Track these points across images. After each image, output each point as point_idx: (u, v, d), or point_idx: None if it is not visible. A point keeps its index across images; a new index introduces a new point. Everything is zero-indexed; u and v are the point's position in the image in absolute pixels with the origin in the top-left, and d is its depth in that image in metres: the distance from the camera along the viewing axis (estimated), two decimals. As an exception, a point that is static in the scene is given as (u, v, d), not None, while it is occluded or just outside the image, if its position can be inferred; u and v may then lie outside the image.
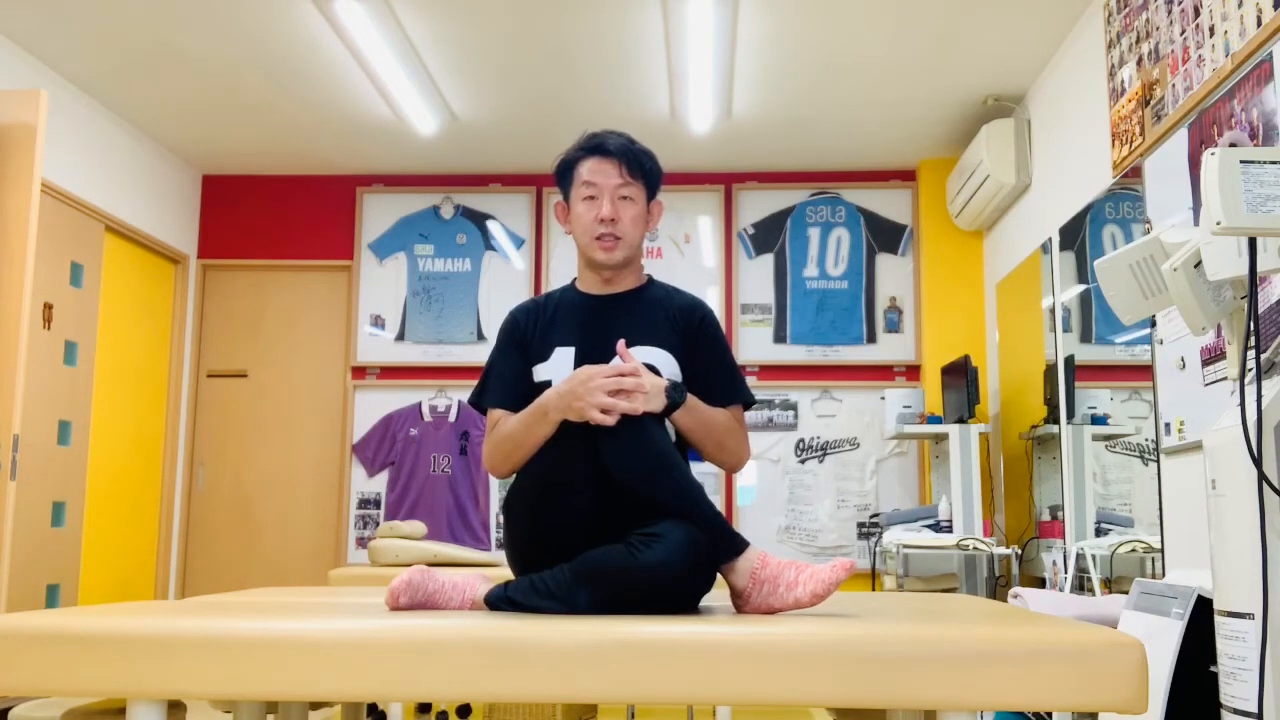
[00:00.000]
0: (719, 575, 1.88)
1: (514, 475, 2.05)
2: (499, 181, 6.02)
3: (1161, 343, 3.31)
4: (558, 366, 2.09)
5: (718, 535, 1.84)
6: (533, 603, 1.81)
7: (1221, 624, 2.03)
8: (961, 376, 4.94)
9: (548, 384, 2.05)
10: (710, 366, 2.17)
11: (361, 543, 5.78)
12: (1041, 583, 4.42)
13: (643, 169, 2.13)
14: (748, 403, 2.20)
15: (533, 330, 2.16)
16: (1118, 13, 3.72)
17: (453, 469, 5.81)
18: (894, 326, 5.78)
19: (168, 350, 5.80)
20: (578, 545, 1.87)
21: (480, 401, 2.15)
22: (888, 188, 5.88)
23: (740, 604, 1.84)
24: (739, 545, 1.84)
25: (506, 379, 2.14)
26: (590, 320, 2.14)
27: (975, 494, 4.84)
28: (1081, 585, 3.84)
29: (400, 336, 5.93)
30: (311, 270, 6.04)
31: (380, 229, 6.01)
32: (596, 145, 2.12)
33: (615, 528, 1.87)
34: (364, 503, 5.82)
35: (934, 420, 5.20)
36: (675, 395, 1.97)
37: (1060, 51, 4.42)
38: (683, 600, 1.84)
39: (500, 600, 1.87)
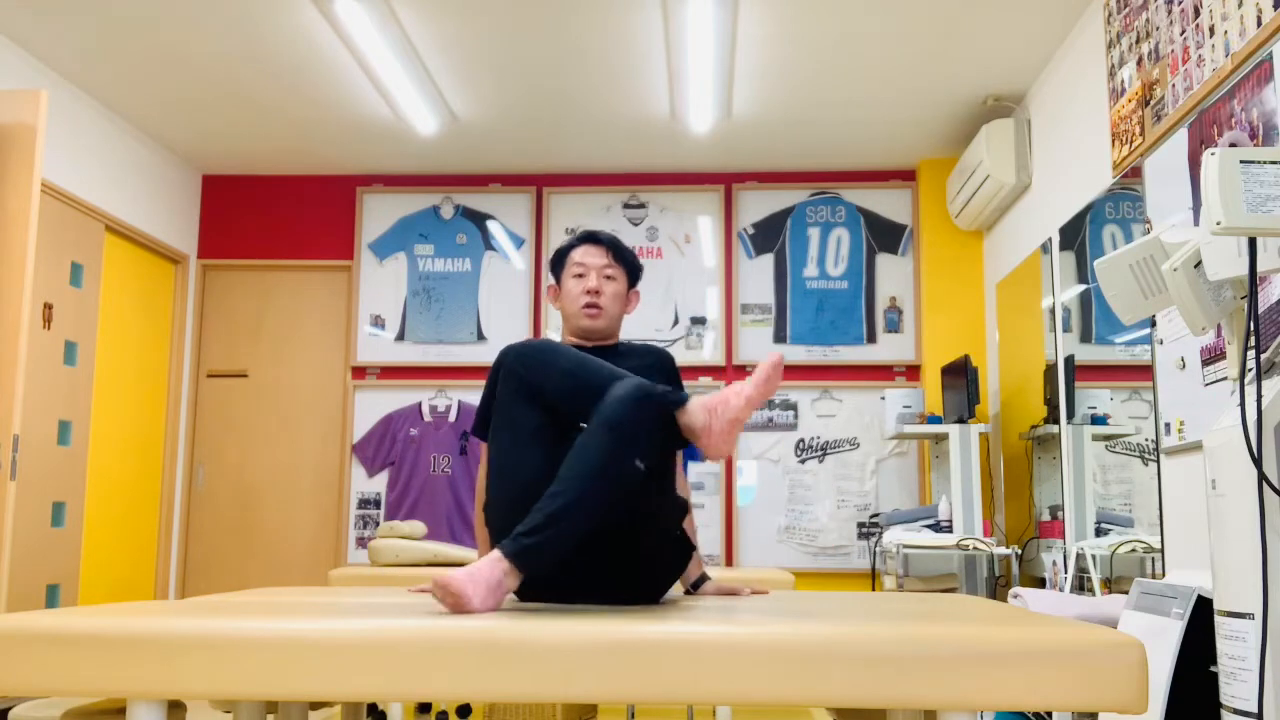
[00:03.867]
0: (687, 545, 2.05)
1: (489, 491, 2.12)
2: (499, 181, 6.02)
3: (1161, 343, 3.31)
4: None
5: (657, 391, 1.95)
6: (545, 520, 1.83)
7: (1221, 624, 2.03)
8: (961, 376, 4.94)
9: None
10: None
11: (361, 543, 5.78)
12: (1041, 583, 4.42)
13: (625, 260, 2.51)
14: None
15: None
16: (1118, 13, 3.72)
17: (453, 469, 5.81)
18: (894, 326, 5.78)
19: (168, 350, 5.80)
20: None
21: (479, 435, 2.37)
22: (888, 188, 5.88)
23: (708, 441, 1.93)
24: (682, 397, 1.96)
25: None
26: None
27: (975, 494, 4.84)
28: (1081, 585, 3.84)
29: (400, 336, 5.93)
30: (311, 270, 6.04)
31: (380, 229, 6.02)
32: (588, 236, 2.51)
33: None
34: (364, 503, 5.82)
35: (934, 420, 5.20)
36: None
37: (1060, 51, 4.42)
38: (641, 440, 1.89)
39: (525, 552, 1.82)
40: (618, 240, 2.53)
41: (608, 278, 2.49)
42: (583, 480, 1.82)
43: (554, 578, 2.01)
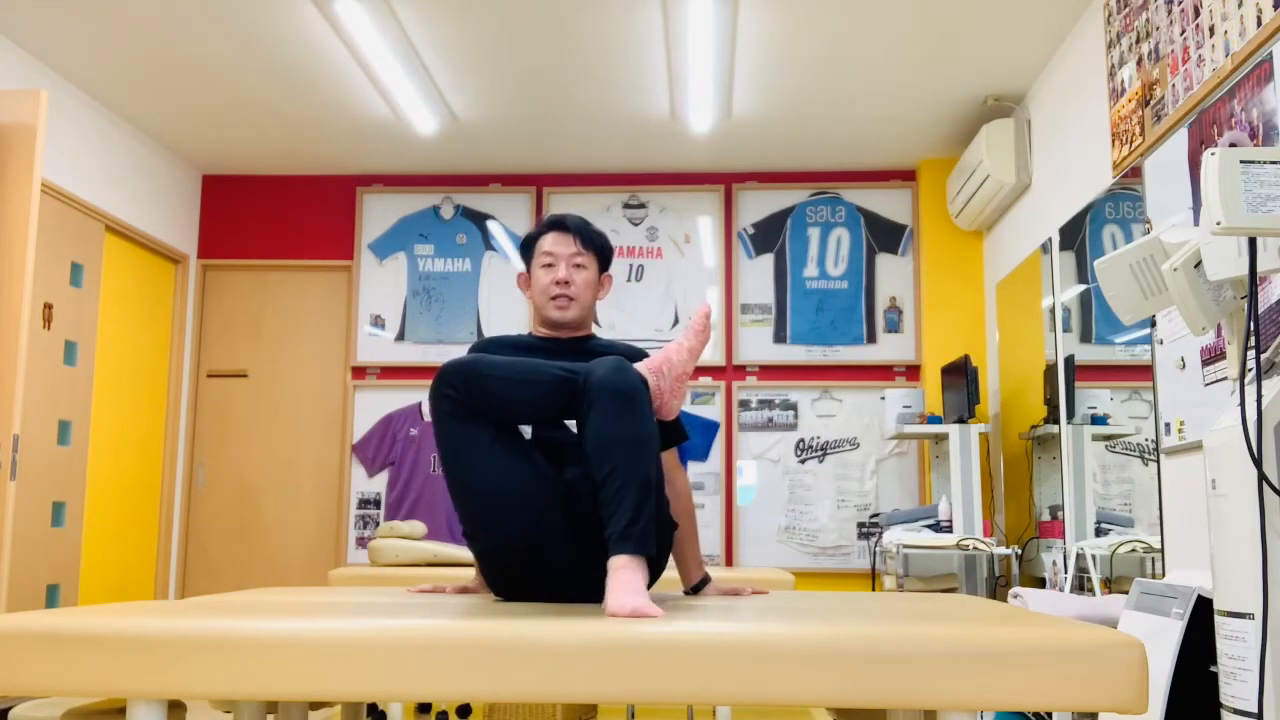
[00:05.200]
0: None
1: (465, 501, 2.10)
2: (499, 181, 6.02)
3: (1161, 343, 3.31)
4: None
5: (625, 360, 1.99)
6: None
7: (1221, 624, 2.03)
8: (961, 376, 4.94)
9: None
10: None
11: (361, 543, 5.78)
12: (1041, 583, 4.42)
13: (595, 244, 2.42)
14: (683, 441, 2.43)
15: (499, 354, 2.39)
16: (1118, 13, 3.72)
17: (453, 469, 5.81)
18: (894, 326, 5.78)
19: (168, 350, 5.80)
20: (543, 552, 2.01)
21: None
22: (888, 188, 5.88)
23: (660, 402, 2.00)
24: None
25: None
26: (556, 359, 2.35)
27: (975, 494, 4.84)
28: (1081, 585, 3.84)
29: (400, 336, 5.93)
30: (311, 270, 6.04)
31: (380, 229, 6.02)
32: (556, 222, 2.42)
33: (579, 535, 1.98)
34: (364, 503, 5.82)
35: (934, 420, 5.20)
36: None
37: (1060, 51, 4.42)
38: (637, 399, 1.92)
39: (643, 540, 1.84)
40: (586, 224, 2.43)
41: (577, 266, 2.39)
42: (628, 452, 1.85)
43: (558, 566, 2.02)
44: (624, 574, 1.75)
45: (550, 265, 2.39)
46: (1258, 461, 1.92)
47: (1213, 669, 2.36)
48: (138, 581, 5.50)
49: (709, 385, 5.80)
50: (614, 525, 1.81)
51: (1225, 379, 2.89)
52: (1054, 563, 4.23)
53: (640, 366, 2.00)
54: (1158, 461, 3.35)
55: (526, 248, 2.46)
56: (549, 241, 2.40)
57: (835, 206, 5.89)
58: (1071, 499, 4.13)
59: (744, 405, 5.78)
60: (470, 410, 1.96)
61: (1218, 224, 2.02)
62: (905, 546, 4.34)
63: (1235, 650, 1.98)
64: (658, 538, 2.13)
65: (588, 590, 2.03)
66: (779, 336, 5.82)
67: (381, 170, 5.99)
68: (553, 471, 2.03)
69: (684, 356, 2.00)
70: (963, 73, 4.68)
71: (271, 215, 6.08)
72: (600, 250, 2.44)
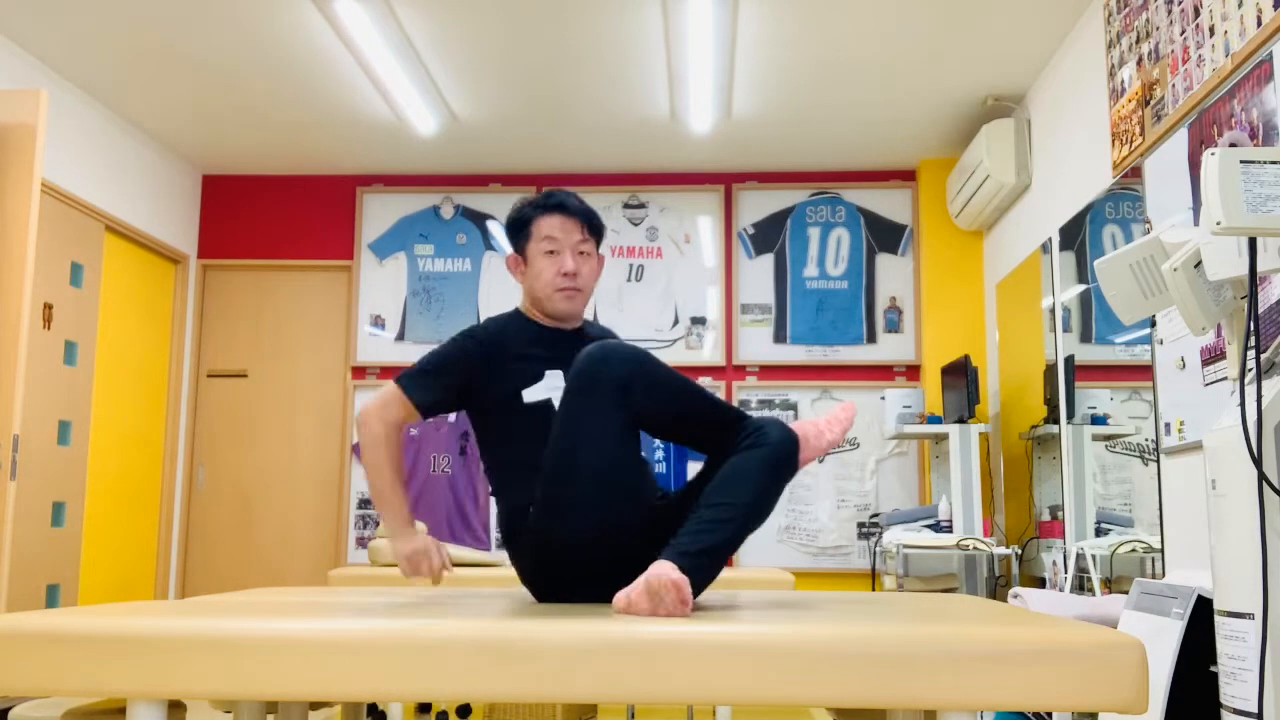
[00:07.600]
0: None
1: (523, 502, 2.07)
2: (499, 181, 6.02)
3: (1161, 343, 3.31)
4: (552, 387, 2.19)
5: (797, 434, 2.00)
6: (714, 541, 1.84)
7: (1221, 624, 2.03)
8: (961, 376, 4.94)
9: (543, 404, 2.17)
10: None
11: (361, 543, 5.78)
12: (1041, 583, 4.42)
13: (598, 229, 2.30)
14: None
15: (505, 351, 2.23)
16: (1118, 13, 3.72)
17: (452, 469, 5.81)
18: (894, 326, 5.78)
19: (168, 350, 5.80)
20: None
21: (410, 389, 2.18)
22: (888, 188, 5.88)
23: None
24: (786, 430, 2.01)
25: (447, 389, 2.21)
26: (561, 349, 2.26)
27: (975, 494, 4.84)
28: (1081, 585, 3.84)
29: (400, 336, 5.93)
30: (311, 270, 6.04)
31: (380, 229, 6.01)
32: (558, 204, 2.25)
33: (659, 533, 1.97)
34: (364, 503, 5.82)
35: (934, 420, 5.20)
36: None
37: (1060, 51, 4.42)
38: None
39: (698, 572, 1.81)
40: (587, 208, 2.28)
41: (583, 254, 2.25)
42: (751, 504, 1.86)
43: (617, 577, 1.99)
44: (649, 579, 1.70)
45: (554, 253, 2.23)
46: (1258, 461, 1.92)
47: (1213, 669, 2.36)
48: (138, 581, 5.50)
49: (709, 385, 5.80)
50: (685, 540, 1.78)
51: (1225, 379, 2.89)
52: (1054, 563, 4.23)
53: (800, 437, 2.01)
54: (1158, 461, 3.35)
55: (519, 226, 2.28)
56: (553, 226, 2.24)
57: (835, 206, 5.89)
58: (1071, 499, 4.13)
59: (744, 405, 5.78)
60: (619, 401, 1.93)
61: (1218, 224, 2.02)
62: (905, 546, 4.34)
63: (1235, 650, 1.98)
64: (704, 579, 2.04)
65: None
66: (779, 336, 5.82)
67: (381, 170, 5.99)
68: (650, 485, 2.05)
69: (823, 447, 2.03)
70: (963, 73, 4.68)
71: (271, 215, 6.08)
72: (598, 231, 2.31)
